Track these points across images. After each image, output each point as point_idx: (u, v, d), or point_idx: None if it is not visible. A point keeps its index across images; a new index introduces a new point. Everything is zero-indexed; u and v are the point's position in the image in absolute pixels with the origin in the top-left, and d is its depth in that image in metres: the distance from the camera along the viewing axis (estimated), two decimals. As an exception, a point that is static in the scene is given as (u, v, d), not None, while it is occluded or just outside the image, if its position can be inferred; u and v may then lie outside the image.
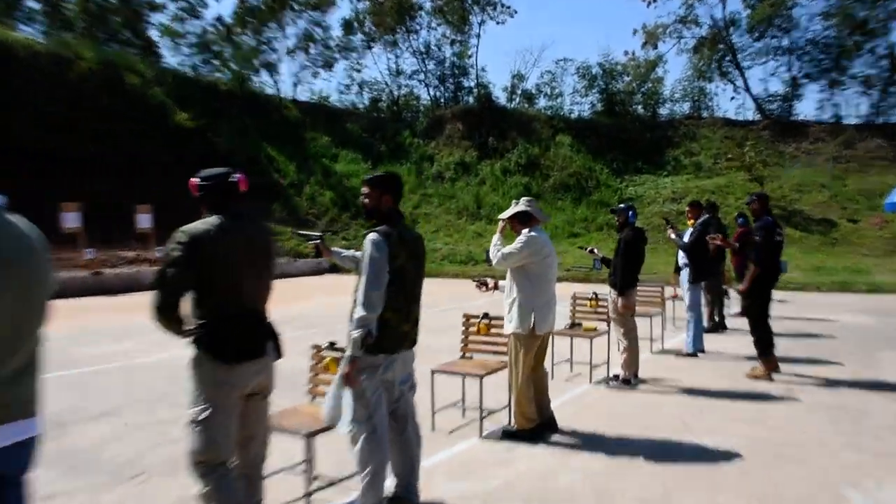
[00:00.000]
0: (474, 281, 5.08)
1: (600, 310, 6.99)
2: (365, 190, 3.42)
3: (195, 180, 3.06)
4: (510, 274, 4.72)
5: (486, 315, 5.41)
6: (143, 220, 17.53)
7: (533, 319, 4.55)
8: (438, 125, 31.88)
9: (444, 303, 13.75)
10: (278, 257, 21.13)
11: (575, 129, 30.37)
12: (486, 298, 10.92)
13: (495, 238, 4.76)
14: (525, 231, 4.69)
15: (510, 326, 4.68)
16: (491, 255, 4.66)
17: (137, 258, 17.69)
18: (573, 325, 6.96)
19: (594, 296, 7.06)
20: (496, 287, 5.01)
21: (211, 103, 26.96)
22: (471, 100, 34.24)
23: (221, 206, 3.01)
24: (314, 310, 12.71)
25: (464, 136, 30.87)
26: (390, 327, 3.28)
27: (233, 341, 2.94)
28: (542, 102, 33.95)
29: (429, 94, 35.45)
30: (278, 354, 3.18)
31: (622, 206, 6.54)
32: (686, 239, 7.89)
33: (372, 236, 3.25)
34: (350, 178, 28.11)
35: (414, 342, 3.47)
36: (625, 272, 6.28)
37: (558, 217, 25.04)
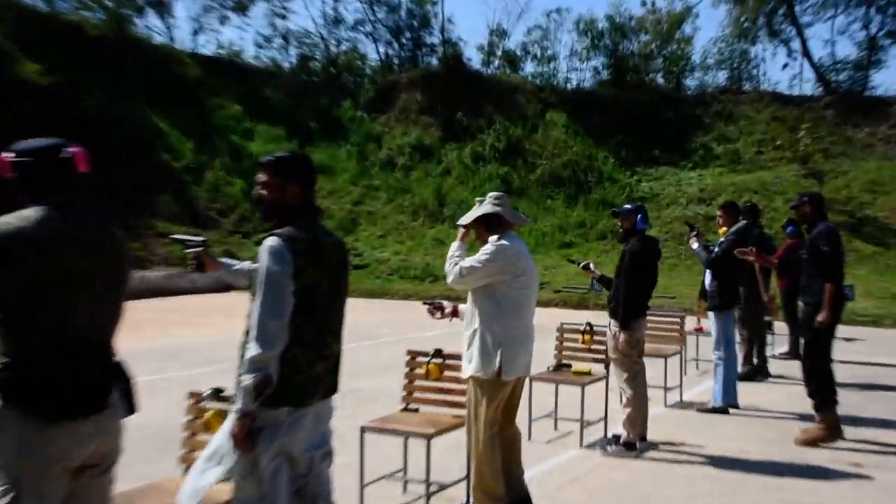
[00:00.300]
0: (425, 304, 5.10)
1: (597, 347, 7.05)
2: (261, 177, 3.36)
3: (7, 155, 2.92)
4: (472, 297, 4.71)
5: (438, 352, 5.38)
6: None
7: (499, 359, 4.54)
8: (390, 95, 32.12)
9: (385, 333, 13.73)
10: (132, 269, 20.96)
11: (572, 103, 30.77)
12: (441, 328, 10.86)
13: (454, 247, 4.78)
14: (493, 239, 4.69)
15: (469, 368, 4.66)
16: (447, 271, 4.67)
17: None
18: (559, 367, 7.07)
19: (588, 327, 7.13)
20: (455, 313, 5.03)
21: (74, 52, 26.54)
22: (434, 62, 34.57)
23: (47, 194, 2.88)
24: (211, 340, 12.67)
25: (423, 109, 31.12)
26: (298, 370, 3.25)
27: (53, 389, 2.77)
28: (528, 68, 34.35)
29: (378, 52, 36.04)
30: (129, 408, 3.01)
31: (628, 207, 6.63)
32: (713, 252, 7.98)
33: (270, 243, 3.20)
34: None
35: (332, 389, 3.45)
36: (630, 297, 6.37)
37: (546, 221, 25.28)
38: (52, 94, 24.25)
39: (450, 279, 4.63)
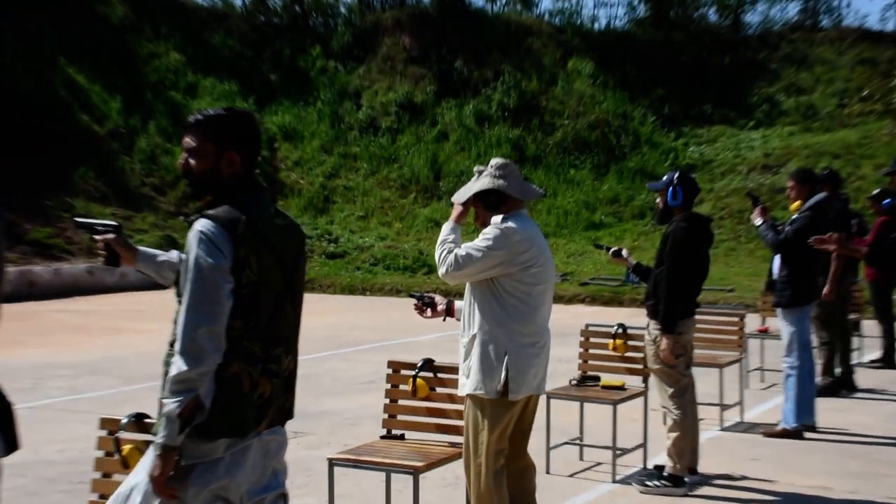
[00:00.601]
0: (414, 298, 5.13)
1: (632, 354, 7.02)
2: (189, 141, 3.36)
3: None
4: (470, 293, 4.72)
5: (427, 363, 5.37)
6: None
7: (504, 373, 4.57)
8: (370, 40, 32.15)
9: (368, 338, 13.72)
10: (7, 262, 20.97)
11: (600, 49, 30.80)
12: (439, 330, 10.78)
13: (446, 229, 4.80)
14: (496, 220, 4.68)
15: (467, 384, 4.67)
16: (438, 259, 4.70)
17: None
18: (585, 381, 7.07)
19: (620, 330, 7.11)
20: (450, 312, 5.07)
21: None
22: (426, -3, 34.16)
23: None
24: (142, 350, 12.63)
25: (413, 58, 31.13)
26: (238, 391, 3.25)
27: None
28: (545, 4, 34.31)
29: (355, -16, 35.38)
30: (9, 444, 2.93)
31: (666, 177, 6.61)
32: (783, 231, 7.90)
33: (201, 227, 3.20)
34: None
35: (285, 415, 3.47)
36: (673, 291, 6.38)
37: (569, 196, 25.26)
38: None
39: (441, 270, 4.65)
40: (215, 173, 3.34)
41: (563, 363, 10.66)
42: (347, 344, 13.17)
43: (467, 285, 4.73)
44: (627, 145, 27.12)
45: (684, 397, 6.47)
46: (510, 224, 4.59)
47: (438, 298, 5.09)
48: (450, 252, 4.63)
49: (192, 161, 3.35)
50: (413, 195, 26.38)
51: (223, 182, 3.34)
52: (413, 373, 5.36)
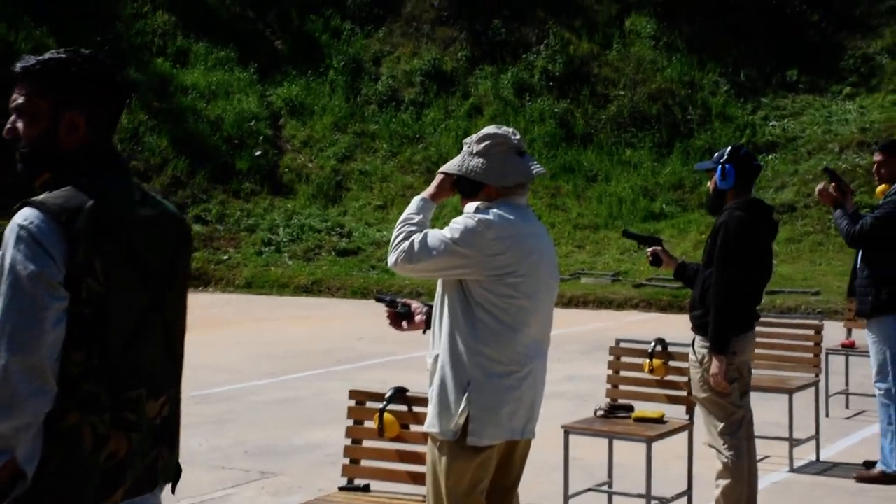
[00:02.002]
0: (382, 302, 4.89)
1: (674, 378, 6.81)
2: (17, 98, 3.07)
3: None
4: (440, 296, 4.47)
5: (397, 393, 5.18)
6: None
7: (464, 411, 4.29)
8: None
9: (372, 352, 13.65)
10: None
11: (664, 5, 30.43)
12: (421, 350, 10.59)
13: (413, 206, 4.52)
14: (469, 209, 4.38)
15: (427, 421, 4.45)
16: (392, 244, 4.43)
17: None
18: (614, 410, 6.85)
19: (658, 346, 6.90)
20: (431, 325, 4.79)
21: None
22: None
23: None
24: None
25: (441, 18, 31.06)
26: (77, 451, 2.93)
27: None
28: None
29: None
30: None
31: (717, 154, 6.41)
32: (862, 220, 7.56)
33: (22, 219, 2.87)
34: (214, 101, 28.46)
35: (161, 477, 3.19)
36: (725, 299, 6.13)
37: (624, 180, 25.18)
38: None
39: (391, 258, 4.36)
40: (52, 141, 3.05)
41: (587, 386, 10.27)
42: (347, 360, 13.04)
43: (438, 286, 4.43)
44: (695, 120, 26.94)
45: (738, 434, 6.14)
46: (485, 217, 4.23)
47: (415, 305, 4.78)
48: (408, 237, 4.31)
49: (19, 124, 3.05)
50: (441, 180, 26.27)
51: (63, 154, 3.06)
52: (382, 404, 5.10)
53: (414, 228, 4.34)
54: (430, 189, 4.53)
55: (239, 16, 32.02)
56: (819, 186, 7.57)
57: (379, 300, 4.95)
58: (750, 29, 28.84)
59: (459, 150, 4.28)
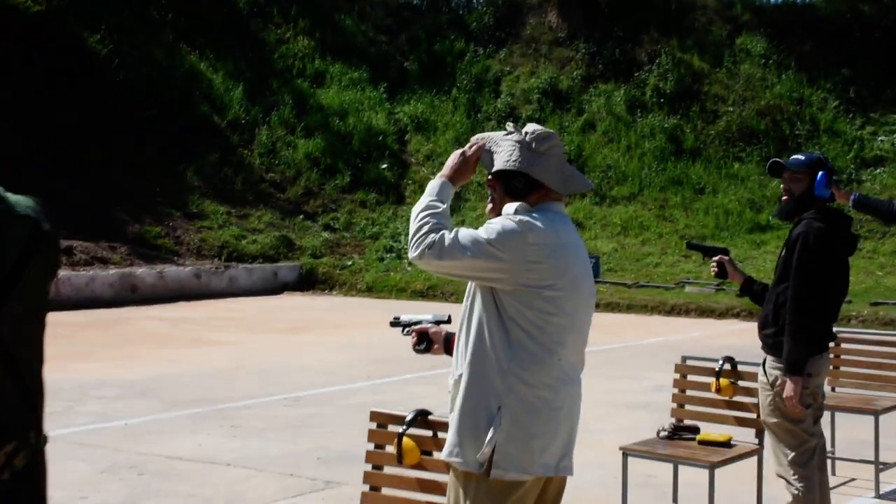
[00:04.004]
0: (397, 325, 4.37)
1: (743, 399, 6.20)
2: None
3: None
4: (467, 309, 3.77)
5: (420, 416, 4.53)
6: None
7: (492, 440, 3.64)
8: (513, 20, 31.82)
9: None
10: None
11: (775, 24, 29.55)
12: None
13: (433, 189, 3.76)
14: (509, 210, 3.69)
15: (445, 448, 3.81)
16: (413, 234, 3.68)
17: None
18: (678, 432, 6.24)
19: (727, 365, 6.28)
20: (451, 350, 4.07)
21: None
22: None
23: None
24: (212, 365, 12.12)
25: (559, 39, 30.70)
26: None
27: None
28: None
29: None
30: None
31: (800, 157, 5.66)
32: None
33: None
34: (346, 117, 28.41)
35: None
36: (801, 315, 5.45)
37: (731, 193, 24.45)
38: (46, 27, 24.57)
39: (415, 252, 3.61)
40: None
41: (649, 403, 9.48)
42: (444, 364, 12.03)
43: (466, 301, 3.75)
44: (803, 135, 25.97)
45: (809, 465, 5.45)
46: (528, 219, 3.56)
47: (433, 330, 4.14)
48: (437, 229, 3.58)
49: None
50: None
51: None
52: (402, 428, 4.45)
53: (440, 220, 3.63)
54: (449, 170, 3.79)
55: (373, 40, 32.01)
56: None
57: (394, 324, 4.37)
58: (861, 48, 27.80)
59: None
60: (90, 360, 12.56)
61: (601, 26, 29.98)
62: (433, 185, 3.74)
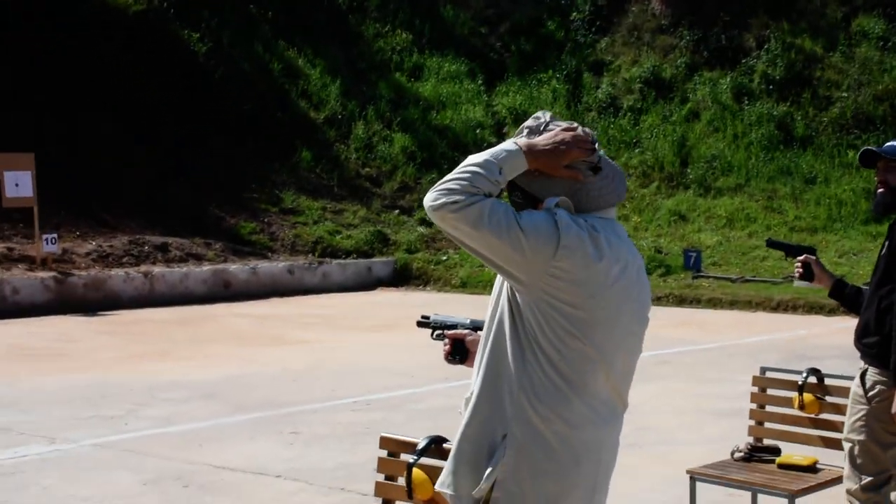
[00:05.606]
0: (426, 326, 3.90)
1: (830, 417, 5.56)
2: None
3: None
4: (490, 318, 3.22)
5: (433, 442, 3.91)
6: (21, 183, 17.86)
7: (494, 477, 3.14)
8: (616, 8, 31.06)
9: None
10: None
11: (895, 5, 28.06)
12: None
13: (493, 153, 3.08)
14: (553, 202, 3.13)
15: (440, 477, 3.32)
16: (446, 183, 3.01)
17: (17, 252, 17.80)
18: (757, 453, 5.62)
19: (813, 378, 5.67)
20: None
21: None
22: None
23: None
24: (287, 366, 11.66)
25: (663, 27, 29.90)
26: None
27: None
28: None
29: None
30: None
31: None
32: None
33: None
34: (444, 110, 28.04)
35: None
36: None
37: (844, 182, 23.41)
38: (146, 25, 24.73)
39: (433, 196, 2.97)
40: None
41: (725, 421, 8.73)
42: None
43: (490, 304, 3.18)
44: None
45: (882, 491, 4.94)
46: (565, 219, 3.01)
47: (470, 338, 3.55)
48: (472, 186, 2.94)
49: None
50: (656, 184, 25.12)
51: None
52: (412, 458, 3.83)
53: (491, 187, 2.99)
54: (535, 146, 3.07)
55: (472, 31, 31.61)
56: None
57: (420, 324, 3.88)
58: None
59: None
60: (166, 360, 12.24)
61: (706, 12, 29.03)
62: (504, 148, 3.07)
